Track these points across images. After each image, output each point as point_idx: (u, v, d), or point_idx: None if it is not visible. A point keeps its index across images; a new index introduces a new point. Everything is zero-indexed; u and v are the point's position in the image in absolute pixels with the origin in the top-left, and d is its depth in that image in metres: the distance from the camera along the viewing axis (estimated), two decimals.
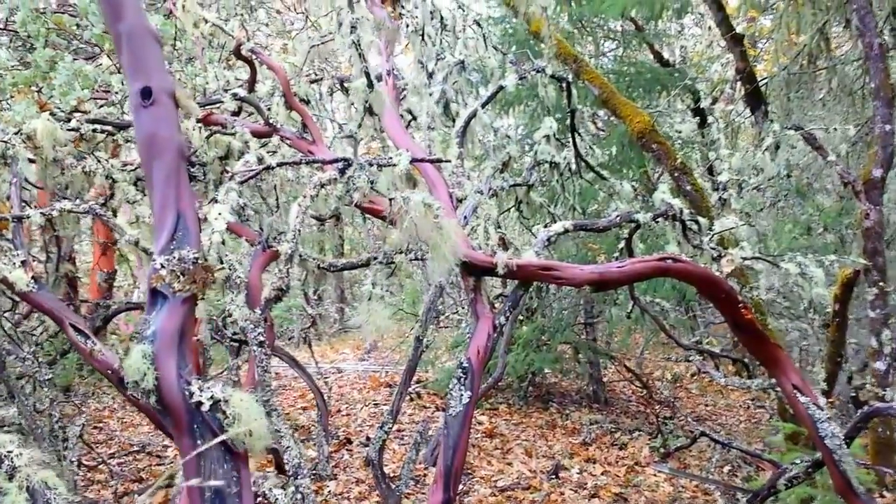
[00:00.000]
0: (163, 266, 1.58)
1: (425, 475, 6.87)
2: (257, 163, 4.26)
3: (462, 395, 3.94)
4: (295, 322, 18.53)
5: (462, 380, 4.00)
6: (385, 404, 9.64)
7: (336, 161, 4.07)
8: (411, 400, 9.69)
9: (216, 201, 3.93)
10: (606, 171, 9.99)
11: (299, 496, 3.51)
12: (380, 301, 3.39)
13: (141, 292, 12.97)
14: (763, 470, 7.30)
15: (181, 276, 1.55)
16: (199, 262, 1.57)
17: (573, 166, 6.98)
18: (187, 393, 1.48)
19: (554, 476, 7.00)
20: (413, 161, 4.26)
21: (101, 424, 9.26)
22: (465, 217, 6.36)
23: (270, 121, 4.92)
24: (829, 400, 5.44)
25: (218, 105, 4.99)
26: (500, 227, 9.94)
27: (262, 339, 3.68)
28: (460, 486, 6.64)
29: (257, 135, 4.97)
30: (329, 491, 6.45)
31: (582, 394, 10.26)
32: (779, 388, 4.31)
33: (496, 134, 6.05)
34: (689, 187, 6.05)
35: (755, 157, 6.06)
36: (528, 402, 9.59)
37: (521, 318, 9.66)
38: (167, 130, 1.68)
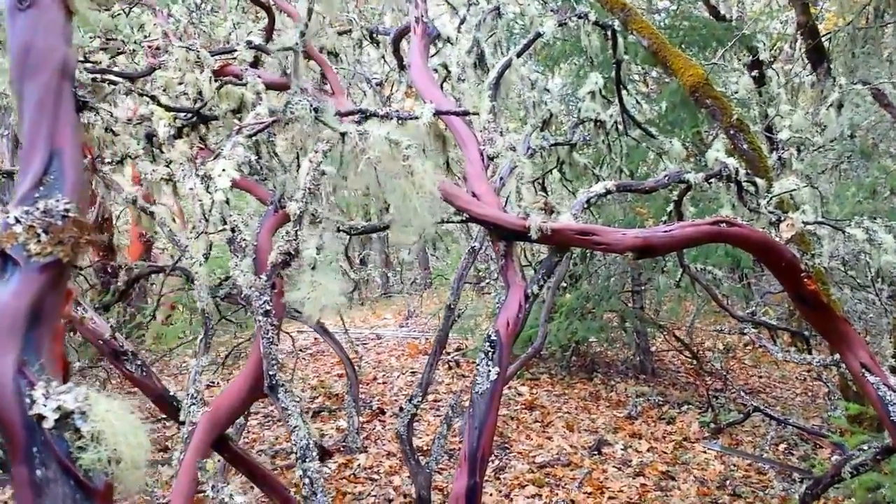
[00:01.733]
0: (18, 220, 1.20)
1: (460, 448, 6.54)
2: (269, 115, 3.90)
3: (489, 371, 3.60)
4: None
5: (490, 354, 3.65)
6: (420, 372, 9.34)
7: (352, 113, 3.72)
8: (450, 369, 9.38)
9: (221, 156, 3.61)
10: (656, 131, 9.50)
11: (307, 481, 3.18)
12: (328, 272, 2.94)
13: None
14: (821, 447, 6.86)
15: (42, 235, 1.17)
16: (72, 216, 1.19)
17: (620, 125, 6.55)
18: (28, 401, 1.09)
19: (596, 452, 6.64)
20: (437, 113, 3.88)
21: (134, 389, 9.09)
22: (502, 178, 5.96)
23: (287, 71, 4.57)
24: None
25: (233, 55, 4.63)
26: (545, 190, 9.44)
27: (267, 307, 3.36)
28: (496, 462, 6.30)
29: (274, 87, 4.62)
30: (358, 465, 6.18)
31: (628, 364, 9.83)
32: (843, 366, 3.90)
33: (534, 87, 5.61)
34: (745, 146, 5.56)
35: (819, 115, 5.55)
36: (571, 373, 9.21)
37: (564, 284, 9.25)
38: (47, 40, 1.30)
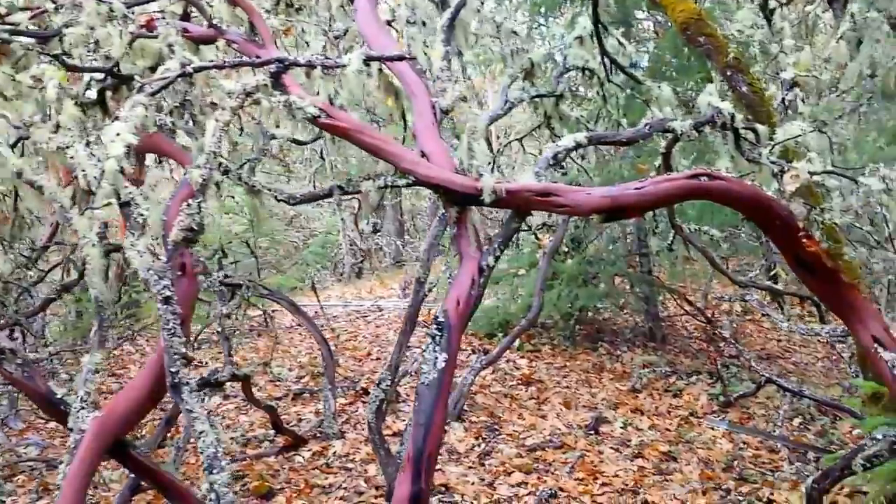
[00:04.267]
0: None
1: (445, 431, 6.05)
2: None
3: (437, 358, 3.11)
4: (343, 258, 17.87)
5: (437, 339, 3.16)
6: (419, 346, 8.83)
7: (268, 62, 3.19)
8: None
9: (118, 119, 3.10)
10: (662, 79, 8.85)
11: (214, 496, 2.69)
12: None
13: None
14: (841, 419, 6.29)
15: None
16: None
17: (610, 72, 5.97)
18: None
19: (593, 431, 6.11)
20: (368, 59, 3.34)
21: (121, 372, 8.71)
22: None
23: (214, 21, 4.04)
24: None
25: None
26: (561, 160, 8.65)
27: (168, 293, 2.86)
28: (483, 446, 5.81)
29: (202, 40, 4.10)
30: (334, 452, 5.70)
31: (637, 332, 9.25)
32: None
33: (499, 29, 5.02)
34: (745, 88, 4.95)
35: (828, 49, 4.94)
36: (575, 343, 8.64)
37: (565, 249, 8.69)
38: None
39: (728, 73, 4.96)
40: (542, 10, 9.16)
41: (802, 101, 5.69)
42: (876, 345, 3.12)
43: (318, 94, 3.58)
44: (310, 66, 3.21)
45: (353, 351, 8.83)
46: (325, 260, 15.84)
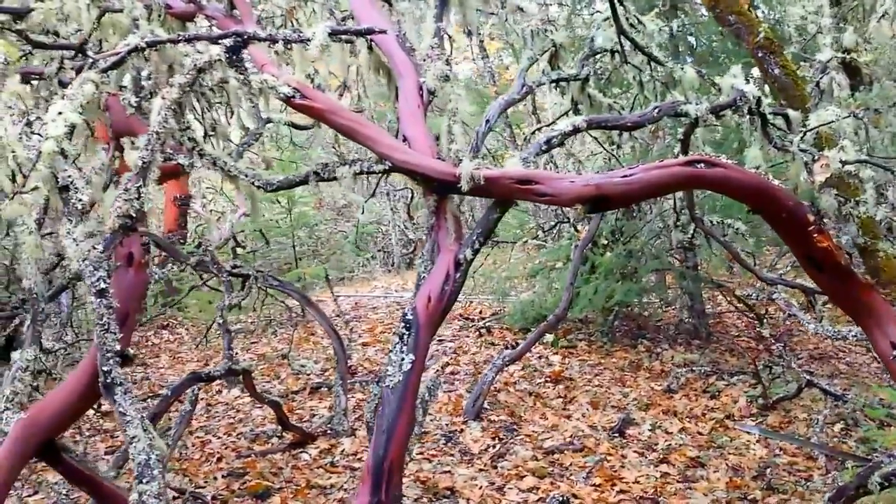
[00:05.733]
0: None
1: (461, 430, 5.80)
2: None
3: (403, 359, 2.90)
4: (394, 247, 17.68)
5: (404, 338, 2.94)
6: (452, 340, 8.59)
7: (226, 36, 2.97)
8: (480, 336, 8.59)
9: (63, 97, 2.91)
10: (715, 65, 8.43)
11: None
12: None
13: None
14: (890, 426, 5.84)
15: None
16: None
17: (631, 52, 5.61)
18: None
19: (618, 434, 5.78)
20: (334, 33, 3.09)
21: (151, 361, 8.66)
22: (488, 120, 5.13)
23: None
24: None
25: None
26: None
27: (103, 286, 2.65)
28: (497, 447, 5.53)
29: (182, 16, 3.90)
30: (342, 450, 5.49)
31: (681, 329, 8.82)
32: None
33: (504, 6, 4.70)
34: (777, 70, 4.58)
35: (869, 28, 4.52)
36: (613, 339, 8.28)
37: (605, 241, 8.32)
38: None
39: (759, 55, 4.60)
40: None
41: (855, 85, 5.27)
42: (895, 352, 2.78)
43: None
44: (271, 40, 2.98)
45: (386, 343, 8.60)
46: (363, 251, 15.66)
